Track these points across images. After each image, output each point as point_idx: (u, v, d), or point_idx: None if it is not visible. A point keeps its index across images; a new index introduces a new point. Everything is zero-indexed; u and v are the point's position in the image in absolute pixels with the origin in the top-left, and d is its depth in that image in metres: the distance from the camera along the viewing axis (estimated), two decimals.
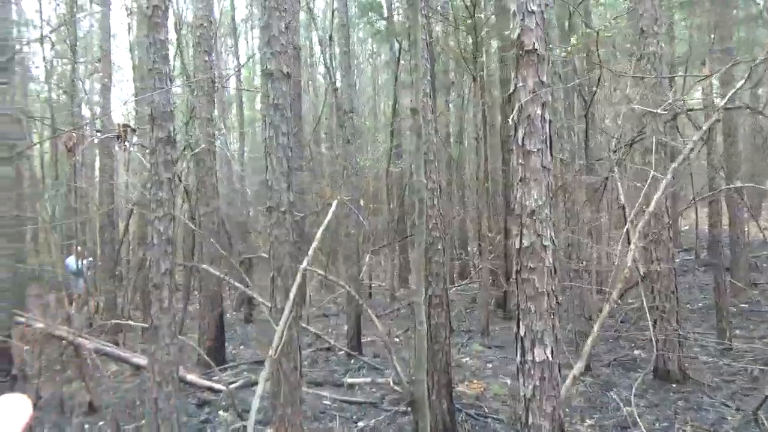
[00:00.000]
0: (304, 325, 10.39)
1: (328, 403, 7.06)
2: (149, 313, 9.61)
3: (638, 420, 4.48)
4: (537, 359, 2.90)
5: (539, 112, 3.27)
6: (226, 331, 11.16)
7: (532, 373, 2.91)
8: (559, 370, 2.96)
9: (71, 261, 12.09)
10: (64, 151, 10.99)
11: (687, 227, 20.46)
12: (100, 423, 6.83)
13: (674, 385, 6.87)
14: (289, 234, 4.38)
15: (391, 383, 7.58)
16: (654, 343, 5.64)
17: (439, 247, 5.69)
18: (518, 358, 2.98)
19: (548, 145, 3.30)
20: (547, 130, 3.34)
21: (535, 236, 2.97)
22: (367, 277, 14.65)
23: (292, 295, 4.22)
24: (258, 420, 6.47)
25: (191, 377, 7.91)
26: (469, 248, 18.54)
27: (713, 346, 8.88)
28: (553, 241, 2.99)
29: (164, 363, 3.46)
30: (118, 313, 11.01)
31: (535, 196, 3.07)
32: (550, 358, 2.90)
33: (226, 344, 9.96)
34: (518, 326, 2.99)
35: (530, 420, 2.92)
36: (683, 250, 17.46)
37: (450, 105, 17.25)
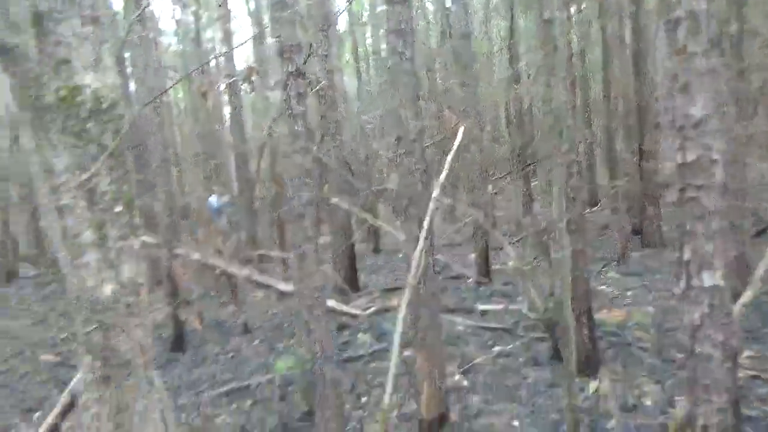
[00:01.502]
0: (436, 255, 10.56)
1: (461, 328, 7.18)
2: (287, 244, 10.19)
3: None
4: (705, 284, 2.65)
5: (704, 5, 2.86)
6: (357, 261, 11.66)
7: (700, 300, 2.68)
8: (732, 298, 2.70)
9: (213, 200, 13.14)
10: (198, 96, 11.71)
11: None
12: (255, 342, 7.53)
13: None
14: (419, 162, 4.34)
15: (524, 310, 7.53)
16: None
17: (575, 169, 5.38)
18: (682, 284, 2.76)
19: (716, 44, 2.90)
20: (714, 28, 2.93)
21: (701, 149, 2.66)
22: (491, 206, 14.40)
23: (425, 223, 4.22)
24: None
25: (330, 303, 8.39)
26: (597, 173, 17.51)
27: None
28: (724, 154, 2.67)
29: (312, 288, 3.66)
30: (258, 245, 11.90)
31: (701, 104, 2.73)
32: (721, 284, 2.64)
33: (358, 273, 10.42)
34: (681, 250, 2.75)
35: (697, 349, 2.72)
36: None
37: (572, 21, 15.89)
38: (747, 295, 3.16)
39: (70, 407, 5.70)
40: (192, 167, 12.79)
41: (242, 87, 13.30)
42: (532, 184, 18.98)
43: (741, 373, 5.02)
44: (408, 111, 4.35)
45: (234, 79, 12.37)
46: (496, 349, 6.35)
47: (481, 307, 7.93)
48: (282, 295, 9.38)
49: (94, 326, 1.44)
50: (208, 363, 6.78)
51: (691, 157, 2.72)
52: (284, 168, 9.77)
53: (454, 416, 4.68)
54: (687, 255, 2.72)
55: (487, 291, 8.94)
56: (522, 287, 7.68)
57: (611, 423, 4.41)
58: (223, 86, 13.44)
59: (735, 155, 7.16)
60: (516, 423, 4.54)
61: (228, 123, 14.86)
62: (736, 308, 3.13)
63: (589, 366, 5.37)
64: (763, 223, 10.04)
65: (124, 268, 1.50)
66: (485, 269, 9.57)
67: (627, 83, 11.55)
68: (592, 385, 5.07)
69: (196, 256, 8.22)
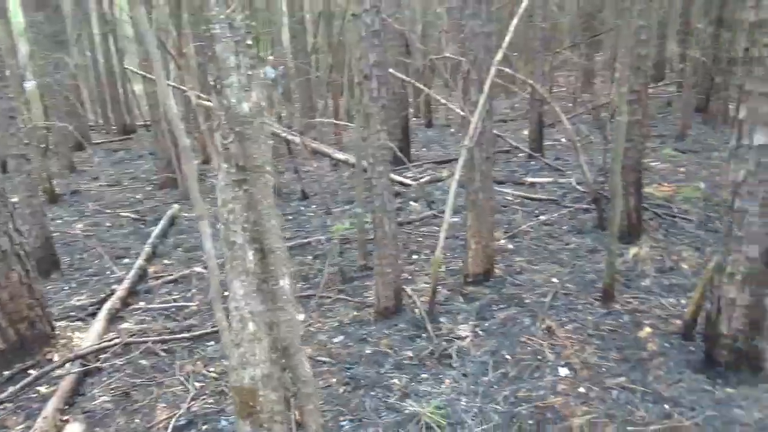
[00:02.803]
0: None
1: (510, 198, 7.43)
2: (341, 113, 10.36)
3: None
4: (755, 143, 2.74)
5: None
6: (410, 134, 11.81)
7: (747, 157, 2.79)
8: None
9: (268, 70, 13.26)
10: None
11: None
12: (313, 207, 8.04)
13: None
14: (484, 25, 4.34)
15: (574, 182, 7.67)
16: None
17: (644, 37, 5.21)
18: (733, 142, 2.85)
19: None
20: None
21: None
22: (550, 80, 13.97)
23: (486, 88, 4.32)
24: (444, 211, 7.14)
25: None
26: (669, 47, 16.44)
27: None
28: None
29: (377, 146, 3.91)
30: (313, 115, 12.12)
31: None
32: None
33: (411, 146, 10.62)
34: (738, 109, 2.81)
35: (737, 204, 2.88)
36: None
37: None
38: None
39: (153, 255, 6.45)
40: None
41: None
42: (596, 58, 18.09)
43: None
44: None
45: None
46: (543, 217, 6.60)
47: (530, 179, 8.09)
48: (336, 164, 9.75)
49: (231, 138, 1.76)
50: None
51: (764, 14, 2.69)
52: (346, 33, 9.69)
53: (498, 271, 5.07)
54: (743, 113, 2.79)
55: (537, 165, 9.04)
56: (574, 161, 7.75)
57: (647, 281, 4.70)
58: None
59: None
60: (555, 280, 4.89)
61: None
62: None
63: (631, 234, 5.59)
64: None
65: (254, 92, 1.79)
66: (538, 143, 9.59)
67: None
68: (632, 250, 5.32)
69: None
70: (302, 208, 8.13)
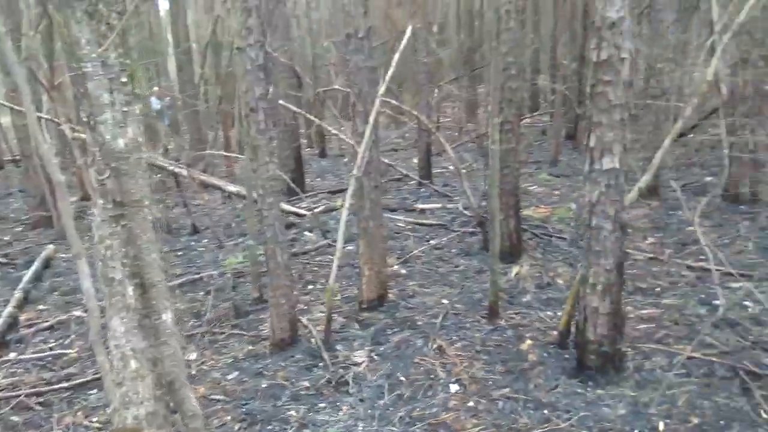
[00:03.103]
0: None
1: (402, 225, 7.68)
2: (232, 144, 10.17)
3: (700, 236, 4.70)
4: (604, 167, 3.10)
5: None
6: (303, 165, 11.86)
7: (599, 180, 3.14)
8: (625, 179, 3.17)
9: (154, 100, 12.81)
10: None
11: None
12: (204, 240, 7.81)
13: (743, 207, 6.96)
14: (367, 60, 4.54)
15: (461, 207, 8.09)
16: (727, 166, 5.65)
17: (514, 72, 5.68)
18: (586, 167, 3.20)
19: None
20: None
21: (613, 49, 3.00)
22: (436, 110, 14.68)
23: (371, 119, 4.50)
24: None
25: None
26: (541, 80, 17.89)
27: None
28: (632, 54, 3.02)
29: (266, 178, 3.93)
30: (203, 147, 11.82)
31: (618, 7, 3.04)
32: (618, 166, 3.09)
33: (304, 177, 10.67)
34: (589, 138, 3.16)
35: (594, 222, 3.22)
36: None
37: None
38: (643, 179, 3.66)
39: (25, 301, 5.93)
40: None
41: None
42: (479, 89, 19.26)
43: (641, 255, 5.78)
44: (358, 8, 4.45)
45: None
46: (433, 241, 6.88)
47: (421, 205, 8.43)
48: (229, 196, 9.56)
49: (107, 174, 1.71)
50: None
51: (604, 55, 3.07)
52: (234, 64, 9.61)
53: (392, 296, 5.22)
54: (593, 141, 3.14)
55: (427, 192, 9.43)
56: (460, 187, 8.18)
57: (527, 297, 5.05)
58: None
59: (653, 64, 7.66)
60: (445, 301, 5.11)
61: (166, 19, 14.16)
62: (633, 192, 3.66)
63: (513, 254, 5.99)
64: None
65: (130, 128, 1.76)
66: (427, 171, 10.01)
67: None
68: (515, 269, 5.70)
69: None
70: (193, 242, 7.88)
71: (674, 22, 8.40)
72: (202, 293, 5.83)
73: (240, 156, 9.10)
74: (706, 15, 8.17)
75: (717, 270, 4.73)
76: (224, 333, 4.82)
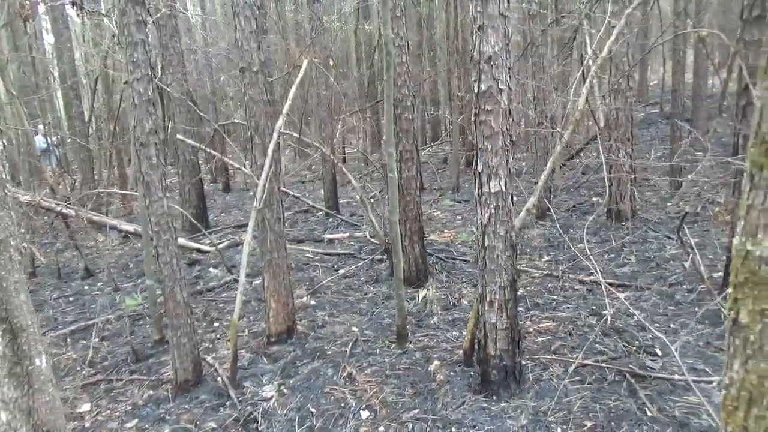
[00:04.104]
0: (284, 189, 10.82)
1: (310, 256, 7.65)
2: (128, 182, 9.71)
3: (588, 252, 5.07)
4: (492, 190, 3.29)
5: None
6: (206, 200, 11.55)
7: (488, 202, 3.32)
8: (512, 201, 3.37)
9: (40, 139, 12.02)
10: (19, 20, 10.44)
11: (655, 81, 20.76)
12: (98, 284, 7.35)
13: (624, 223, 7.58)
14: (263, 93, 4.55)
15: (368, 236, 8.20)
16: (607, 186, 6.15)
17: (408, 103, 5.91)
18: (476, 191, 3.38)
19: None
20: None
21: (491, 81, 3.23)
22: (341, 142, 14.87)
23: (270, 151, 4.50)
24: (246, 274, 7.08)
25: (180, 240, 8.37)
26: (440, 111, 18.67)
27: (665, 189, 9.60)
28: (509, 85, 3.26)
29: (159, 214, 3.80)
30: (96, 185, 11.20)
31: (492, 42, 3.28)
32: (504, 189, 3.29)
33: (208, 212, 10.40)
34: (476, 163, 3.35)
35: (486, 242, 3.39)
36: (649, 104, 17.92)
37: None
38: (531, 201, 3.91)
39: None
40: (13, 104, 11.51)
41: (70, 13, 12.05)
42: (382, 121, 19.74)
43: (538, 272, 6.11)
44: (251, 43, 4.47)
45: (60, 2, 11.16)
46: (341, 271, 6.91)
47: (328, 236, 8.45)
48: (126, 236, 9.10)
49: None
50: (46, 308, 6.54)
51: (483, 87, 3.28)
52: (124, 99, 9.24)
53: (301, 328, 5.16)
54: (479, 167, 3.33)
55: (335, 222, 9.48)
56: (366, 216, 8.31)
57: (434, 319, 5.17)
58: (43, 9, 12.06)
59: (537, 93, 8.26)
60: (355, 329, 5.13)
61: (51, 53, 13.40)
62: (523, 212, 3.89)
63: (419, 278, 6.14)
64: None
65: None
66: (334, 201, 10.08)
67: (466, 23, 12.39)
68: (422, 293, 5.83)
69: (25, 198, 7.65)
70: (86, 286, 7.39)
71: (555, 56, 9.14)
72: (96, 339, 5.47)
73: (135, 193, 8.73)
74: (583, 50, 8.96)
75: (606, 283, 5.12)
76: (122, 380, 4.53)
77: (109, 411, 4.11)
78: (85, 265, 7.82)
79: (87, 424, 3.92)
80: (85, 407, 4.16)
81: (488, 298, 3.45)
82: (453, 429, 3.30)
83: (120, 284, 7.19)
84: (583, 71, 4.29)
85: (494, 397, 3.54)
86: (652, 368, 3.71)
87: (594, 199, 9.62)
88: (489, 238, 3.36)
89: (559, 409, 3.34)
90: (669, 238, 6.91)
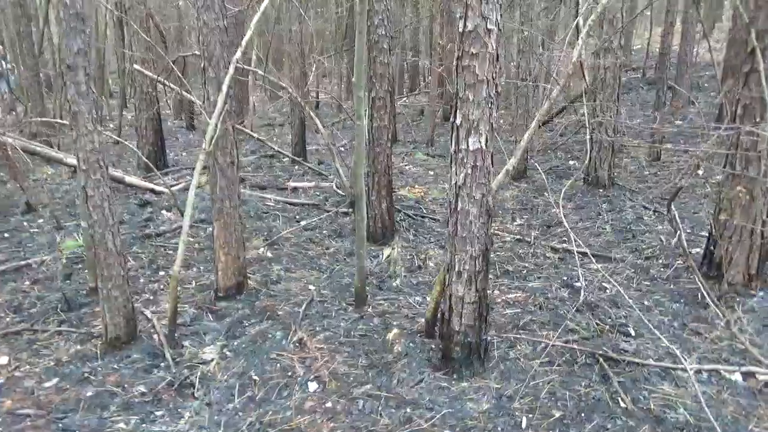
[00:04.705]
0: (247, 131, 10.20)
1: (271, 204, 7.19)
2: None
3: (563, 218, 4.74)
4: (471, 148, 2.88)
5: None
6: (168, 138, 10.87)
7: (465, 161, 2.92)
8: (492, 161, 2.98)
9: None
10: None
11: (639, 46, 20.33)
12: (39, 221, 6.79)
13: (601, 191, 7.30)
14: (219, 19, 3.99)
15: (334, 187, 7.76)
16: (588, 150, 5.81)
17: (385, 46, 5.39)
18: (452, 147, 2.97)
19: None
20: None
21: (479, 18, 2.76)
22: (315, 86, 14.18)
23: (225, 87, 3.98)
24: (201, 219, 6.60)
25: (132, 179, 7.82)
26: (420, 60, 17.96)
27: (644, 158, 9.34)
28: (498, 25, 2.81)
29: (89, 150, 3.28)
30: (50, 116, 10.40)
31: None
32: (484, 147, 2.89)
33: (168, 150, 9.76)
34: (454, 115, 2.92)
35: (459, 206, 3.00)
36: (631, 69, 17.53)
37: None
38: (511, 162, 3.52)
39: None
40: None
41: None
42: None
43: (509, 237, 5.81)
44: None
45: None
46: (303, 222, 6.49)
47: (292, 184, 7.97)
48: (75, 171, 8.47)
49: None
50: None
51: (470, 25, 2.82)
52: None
53: (253, 283, 4.76)
54: (458, 120, 2.90)
55: (301, 170, 8.98)
56: (333, 166, 7.83)
57: (397, 281, 4.84)
58: None
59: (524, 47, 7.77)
60: (312, 287, 4.76)
61: None
62: (501, 175, 3.50)
63: (384, 236, 5.77)
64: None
65: None
66: (301, 148, 9.55)
67: None
68: (386, 251, 5.47)
69: None
70: (25, 223, 6.81)
71: (544, 8, 8.61)
72: (28, 282, 4.98)
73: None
74: (573, 3, 8.44)
75: (579, 252, 4.83)
76: (48, 331, 4.09)
77: (28, 366, 3.68)
78: (26, 200, 7.21)
79: (1, 380, 3.50)
80: (2, 360, 3.73)
81: (457, 268, 3.09)
82: (407, 410, 2.99)
83: (63, 222, 6.64)
84: (578, 22, 3.84)
85: (455, 376, 3.24)
86: (625, 351, 3.45)
87: (571, 162, 9.31)
88: (463, 201, 2.97)
89: (525, 394, 3.05)
90: (645, 208, 6.66)
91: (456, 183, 2.98)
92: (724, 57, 11.11)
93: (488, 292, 3.29)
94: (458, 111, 2.90)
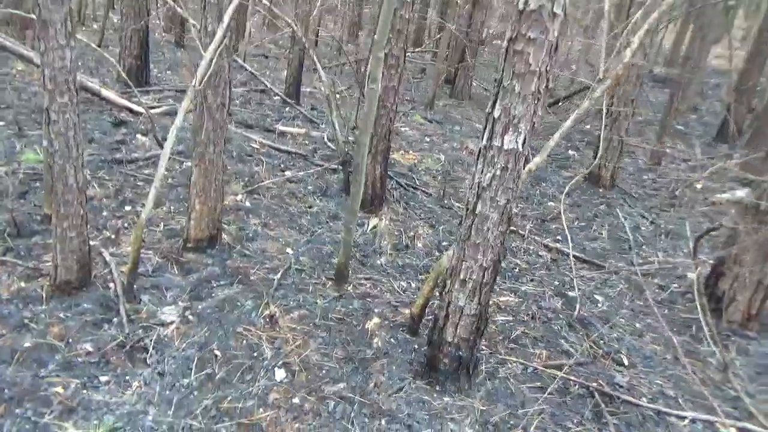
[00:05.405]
0: (240, 61, 9.52)
1: (256, 146, 6.69)
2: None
3: (564, 221, 4.45)
4: (505, 146, 2.50)
5: None
6: (154, 52, 10.08)
7: (495, 161, 2.54)
8: (524, 165, 2.60)
9: None
10: None
11: (648, 40, 19.82)
12: (0, 123, 6.17)
13: (601, 190, 7.02)
14: None
15: (326, 138, 7.28)
16: (601, 147, 5.47)
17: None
18: (483, 141, 2.58)
19: None
20: None
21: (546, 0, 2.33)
22: (316, 23, 13.35)
23: (227, 18, 3.46)
24: (179, 151, 6.09)
25: (108, 93, 7.17)
26: (429, 13, 17.15)
27: (642, 159, 9.08)
28: (565, 10, 2.39)
29: (58, 68, 2.78)
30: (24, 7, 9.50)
31: None
32: (520, 148, 2.51)
33: (152, 66, 9.03)
34: (493, 106, 2.52)
35: (479, 209, 2.64)
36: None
37: None
38: (535, 162, 3.16)
39: None
40: None
41: None
42: (365, 9, 18.02)
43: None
44: None
45: None
46: (288, 173, 6.05)
47: (281, 128, 7.45)
48: None
49: None
50: None
51: (533, 4, 2.38)
52: None
53: (227, 238, 4.37)
54: (497, 112, 2.50)
55: (292, 113, 8.43)
56: (328, 115, 7.34)
57: (382, 259, 4.50)
58: None
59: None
60: (290, 251, 4.39)
61: None
62: (524, 174, 3.14)
63: (374, 203, 5.39)
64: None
65: None
66: (295, 88, 8.95)
67: None
68: (372, 221, 5.12)
69: None
70: None
71: None
72: None
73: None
74: None
75: (574, 257, 4.56)
76: None
77: None
78: None
79: None
80: None
81: (462, 276, 2.75)
82: (382, 422, 2.70)
83: (27, 130, 6.05)
84: (636, 20, 3.41)
85: (438, 388, 2.95)
86: (620, 386, 3.21)
87: (570, 152, 8.99)
88: (484, 204, 2.61)
89: (513, 423, 2.79)
90: (643, 217, 6.42)
91: (479, 183, 2.60)
92: (742, 68, 10.81)
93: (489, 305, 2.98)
94: (498, 102, 2.49)
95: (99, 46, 9.37)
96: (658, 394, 3.24)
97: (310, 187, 5.85)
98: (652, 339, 3.94)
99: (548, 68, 2.42)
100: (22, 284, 3.44)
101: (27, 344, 2.95)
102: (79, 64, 9.05)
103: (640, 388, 3.27)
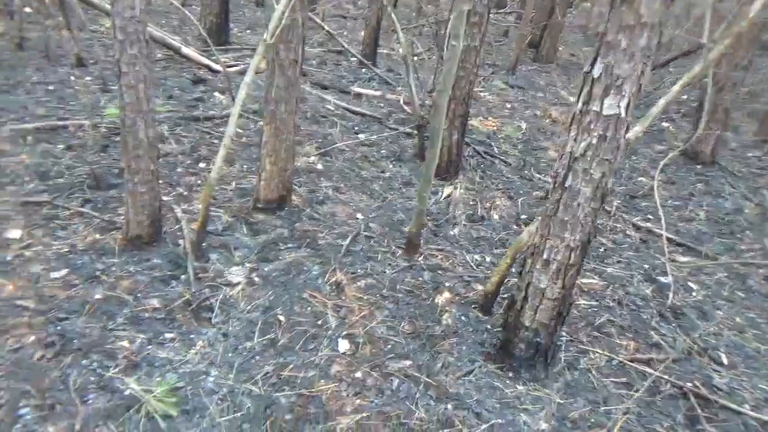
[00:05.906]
0: (317, 20, 9.36)
1: (331, 108, 6.55)
2: None
3: (655, 192, 4.01)
4: (605, 111, 2.18)
5: None
6: (234, 12, 10.12)
7: (592, 127, 2.23)
8: (625, 133, 2.27)
9: None
10: None
11: None
12: (87, 78, 6.34)
13: (699, 167, 6.40)
14: None
15: (401, 101, 7.03)
16: (704, 120, 4.91)
17: None
18: (578, 105, 2.27)
19: None
20: None
21: None
22: None
23: None
24: (255, 111, 6.05)
25: (188, 51, 7.23)
26: None
27: (748, 137, 8.23)
28: None
29: (128, 18, 2.70)
30: None
31: None
32: (623, 114, 2.18)
33: (232, 26, 9.04)
34: (593, 64, 2.20)
35: (569, 182, 2.35)
36: None
37: None
38: (635, 131, 2.80)
39: None
40: None
41: None
42: None
43: None
44: None
45: None
46: (362, 136, 5.88)
47: (357, 89, 7.26)
48: None
49: None
50: (21, 91, 5.59)
51: None
52: None
53: (296, 200, 4.27)
54: (597, 71, 2.18)
55: (368, 74, 8.21)
56: (405, 78, 7.07)
57: (455, 230, 4.27)
58: None
59: None
60: (360, 216, 4.24)
61: None
62: (622, 144, 2.79)
63: (449, 170, 5.14)
64: None
65: None
66: (372, 50, 8.70)
67: None
68: (447, 189, 4.88)
69: None
70: (73, 78, 6.38)
71: None
72: (61, 146, 4.60)
73: None
74: None
75: (667, 238, 4.14)
76: (70, 209, 3.71)
77: (41, 246, 3.33)
78: (77, 52, 6.74)
79: (9, 257, 3.17)
80: (14, 233, 3.39)
81: (545, 256, 2.49)
82: (449, 407, 2.52)
83: (111, 85, 6.18)
84: None
85: (510, 374, 2.73)
86: (718, 389, 2.87)
87: (664, 124, 8.28)
88: (575, 177, 2.31)
89: (594, 420, 2.53)
90: (747, 199, 5.79)
91: (571, 152, 2.30)
92: None
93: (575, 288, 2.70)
94: (599, 58, 2.17)
95: (183, 5, 9.49)
96: (764, 402, 2.87)
97: (383, 152, 5.66)
98: (755, 336, 3.52)
99: (661, 21, 2.07)
100: (97, 236, 3.48)
101: (98, 296, 2.97)
102: (163, 22, 9.22)
103: (742, 392, 2.91)
